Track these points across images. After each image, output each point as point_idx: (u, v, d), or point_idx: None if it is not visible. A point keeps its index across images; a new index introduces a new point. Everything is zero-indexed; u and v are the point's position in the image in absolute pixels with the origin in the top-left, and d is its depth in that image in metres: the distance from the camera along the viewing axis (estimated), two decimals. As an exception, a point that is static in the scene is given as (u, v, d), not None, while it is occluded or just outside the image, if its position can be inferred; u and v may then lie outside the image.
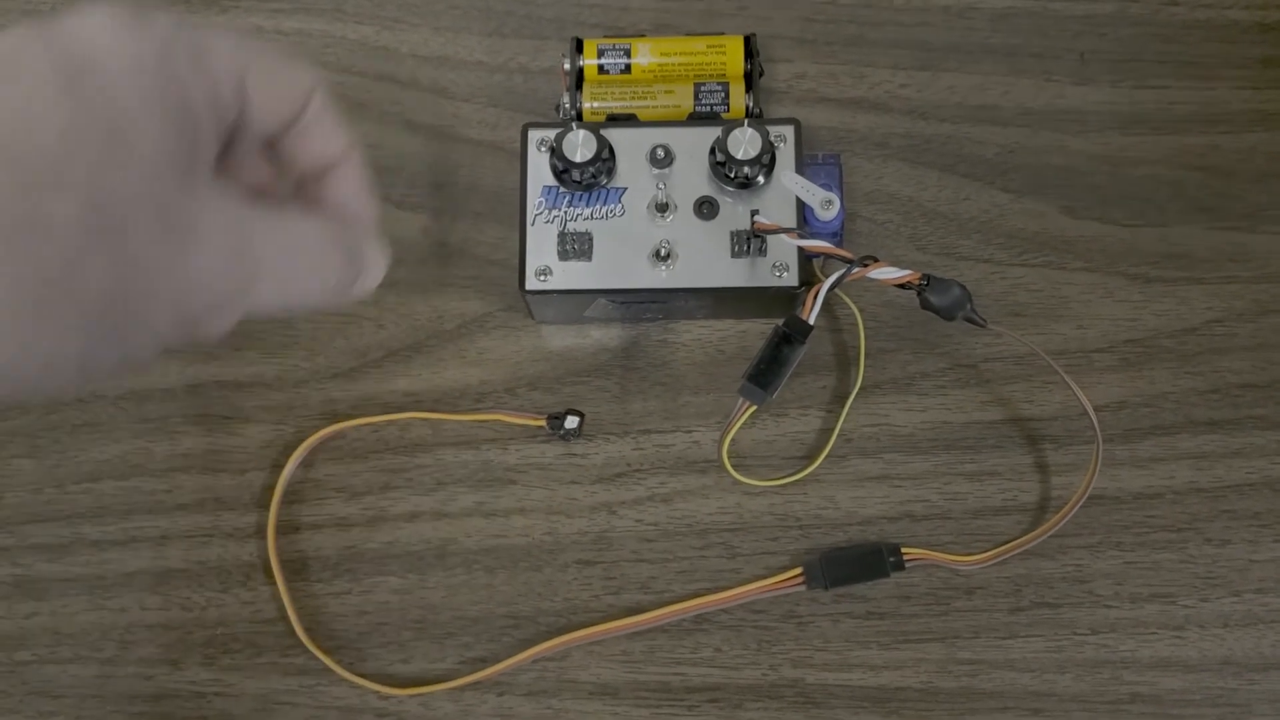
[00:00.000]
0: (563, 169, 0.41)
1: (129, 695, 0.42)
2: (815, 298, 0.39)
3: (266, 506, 0.43)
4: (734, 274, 0.41)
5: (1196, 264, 0.45)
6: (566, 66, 0.44)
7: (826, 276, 0.39)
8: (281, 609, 0.42)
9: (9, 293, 0.22)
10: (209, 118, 0.26)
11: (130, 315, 0.24)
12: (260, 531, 0.43)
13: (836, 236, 0.42)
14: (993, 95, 0.46)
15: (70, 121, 0.23)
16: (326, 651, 0.42)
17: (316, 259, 0.28)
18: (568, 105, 0.44)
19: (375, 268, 0.30)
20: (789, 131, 0.42)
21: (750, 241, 0.41)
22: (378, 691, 0.42)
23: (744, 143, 0.40)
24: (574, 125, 0.41)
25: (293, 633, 0.42)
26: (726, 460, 0.41)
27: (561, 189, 0.42)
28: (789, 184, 0.40)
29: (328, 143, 0.30)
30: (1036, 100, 0.46)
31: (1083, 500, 0.41)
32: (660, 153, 0.41)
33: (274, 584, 0.43)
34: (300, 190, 0.30)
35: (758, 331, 0.44)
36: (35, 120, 0.22)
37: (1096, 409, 0.42)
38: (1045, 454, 0.43)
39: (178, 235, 0.24)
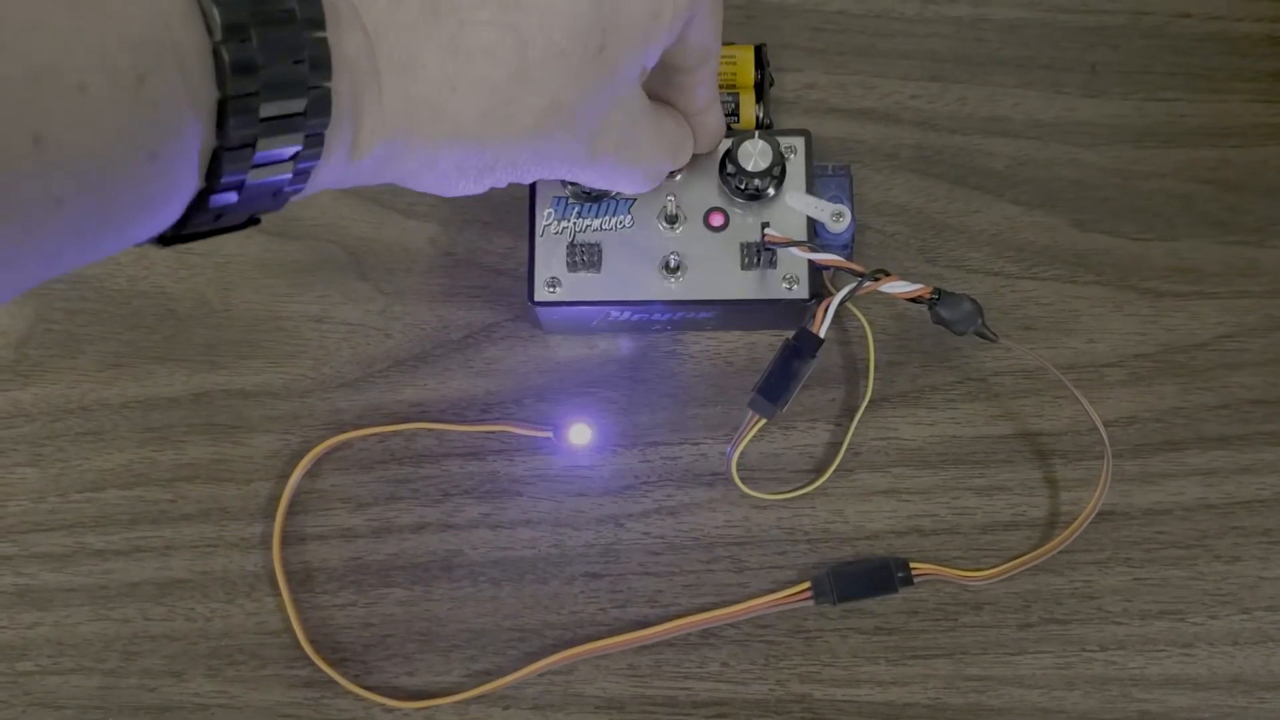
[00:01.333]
0: (573, 179, 0.41)
1: (132, 707, 0.42)
2: (826, 311, 0.39)
3: (272, 517, 0.43)
4: (744, 286, 0.41)
5: (1207, 278, 0.44)
6: (576, 76, 0.44)
7: (836, 288, 0.39)
8: (286, 620, 0.42)
9: (455, 160, 0.30)
10: (664, 42, 0.32)
11: (518, 174, 0.32)
12: (265, 542, 0.43)
13: (847, 249, 0.42)
14: (1003, 107, 0.46)
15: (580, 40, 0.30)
16: (331, 664, 0.42)
17: (663, 147, 0.36)
18: (577, 115, 0.43)
19: (687, 151, 0.38)
20: (800, 143, 0.41)
21: (760, 254, 0.40)
22: (383, 704, 0.41)
23: (754, 155, 0.40)
24: (584, 136, 0.40)
25: (298, 644, 0.42)
26: (736, 474, 0.41)
27: (571, 200, 0.41)
28: (796, 205, 0.40)
29: (705, 52, 0.36)
30: (1047, 112, 0.46)
31: (1092, 516, 0.41)
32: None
33: (279, 595, 0.42)
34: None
35: (766, 344, 0.44)
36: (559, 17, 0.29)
37: (1106, 424, 0.42)
38: (1055, 469, 0.43)
39: (595, 127, 0.32)
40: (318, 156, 0.26)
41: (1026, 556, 0.41)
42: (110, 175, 0.21)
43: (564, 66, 0.30)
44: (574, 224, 0.41)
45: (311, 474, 0.44)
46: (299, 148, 0.25)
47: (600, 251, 0.41)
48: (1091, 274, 0.45)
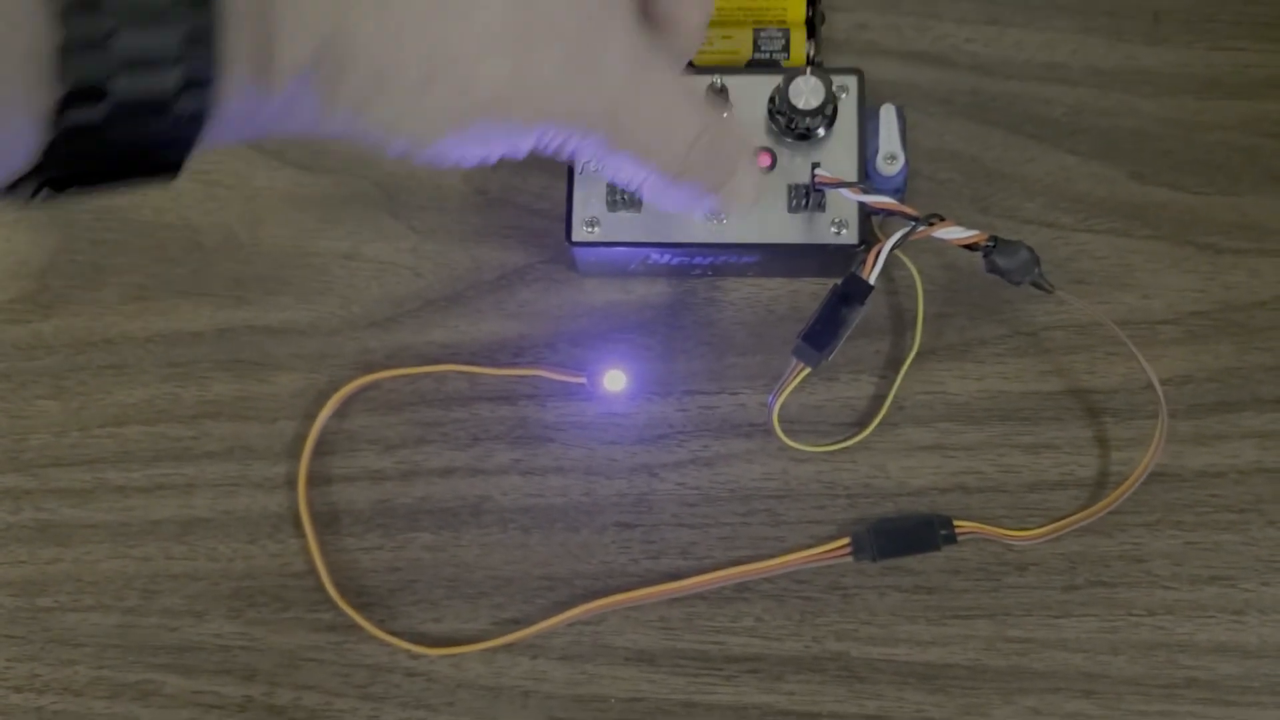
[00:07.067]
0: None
1: (152, 646, 0.41)
2: (877, 256, 0.37)
3: (297, 457, 0.42)
4: (790, 230, 0.39)
5: (1269, 235, 0.43)
6: (619, 9, 0.42)
7: (885, 234, 0.38)
8: (310, 563, 0.41)
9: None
10: None
11: (510, 116, 0.27)
12: (290, 482, 0.42)
13: (899, 193, 0.40)
14: (1061, 53, 0.44)
15: None
16: (356, 608, 0.41)
17: (675, 117, 0.31)
18: (620, 49, 0.42)
19: (745, 181, 0.34)
20: (852, 82, 0.40)
21: (809, 196, 0.39)
22: (408, 650, 0.40)
23: (806, 92, 0.38)
24: (628, 69, 0.39)
25: (321, 587, 0.41)
26: (777, 424, 0.40)
27: (612, 136, 0.40)
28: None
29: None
30: (1107, 60, 0.44)
31: (1144, 477, 0.40)
32: (719, 87, 0.39)
33: (303, 537, 0.41)
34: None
35: (809, 292, 0.43)
36: None
37: (1160, 383, 0.40)
38: (1105, 428, 0.41)
39: (593, 57, 0.28)
40: (207, 52, 0.21)
41: (1074, 517, 0.40)
42: None
43: None
44: (615, 161, 0.40)
45: (338, 414, 0.42)
46: (175, 41, 0.20)
47: (642, 190, 0.40)
48: (1149, 228, 0.43)
